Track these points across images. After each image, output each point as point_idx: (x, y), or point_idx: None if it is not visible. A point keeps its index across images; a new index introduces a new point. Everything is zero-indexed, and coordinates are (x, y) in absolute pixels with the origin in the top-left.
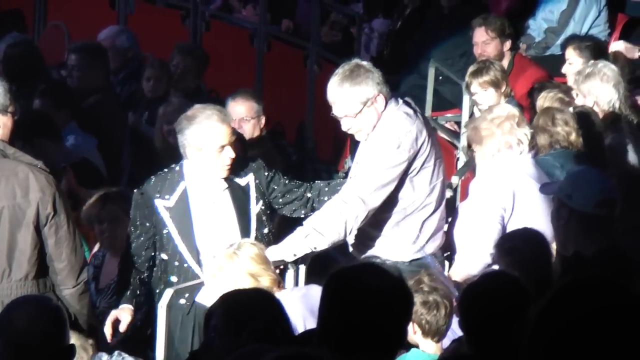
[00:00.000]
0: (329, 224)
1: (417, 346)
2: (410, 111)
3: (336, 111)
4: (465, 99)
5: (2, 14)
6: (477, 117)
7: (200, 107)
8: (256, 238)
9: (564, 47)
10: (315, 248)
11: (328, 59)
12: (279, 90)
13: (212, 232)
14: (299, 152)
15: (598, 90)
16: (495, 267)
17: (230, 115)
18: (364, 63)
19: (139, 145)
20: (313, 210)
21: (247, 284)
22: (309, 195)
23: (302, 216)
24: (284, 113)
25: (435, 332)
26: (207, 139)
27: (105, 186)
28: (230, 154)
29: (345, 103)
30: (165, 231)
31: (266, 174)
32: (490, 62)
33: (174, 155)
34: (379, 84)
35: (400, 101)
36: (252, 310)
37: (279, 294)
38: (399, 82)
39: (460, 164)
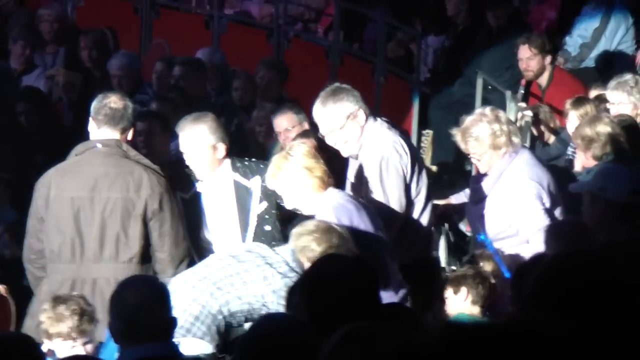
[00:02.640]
0: None
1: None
2: (389, 125)
3: (322, 129)
4: (509, 107)
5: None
6: (477, 126)
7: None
8: (255, 234)
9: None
10: None
11: (392, 72)
12: None
13: (215, 225)
14: None
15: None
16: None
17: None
18: (344, 85)
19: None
20: None
21: (305, 177)
22: None
23: None
24: None
25: (483, 303)
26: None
27: None
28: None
29: (330, 119)
30: None
31: None
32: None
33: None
34: (358, 101)
35: (378, 119)
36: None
37: (328, 191)
38: (453, 92)
39: None
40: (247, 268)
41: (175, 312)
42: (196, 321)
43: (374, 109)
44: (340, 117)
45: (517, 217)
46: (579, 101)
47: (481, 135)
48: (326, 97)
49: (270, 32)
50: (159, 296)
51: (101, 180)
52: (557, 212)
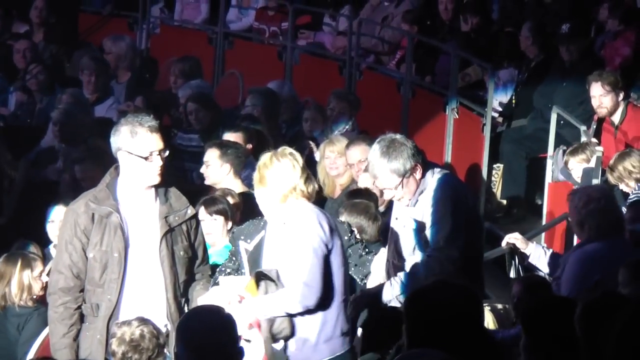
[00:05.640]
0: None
1: None
2: (448, 177)
3: (378, 184)
4: (582, 140)
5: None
6: None
7: None
8: None
9: None
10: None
11: (464, 105)
12: (421, 131)
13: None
14: None
15: None
16: None
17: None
18: (398, 137)
19: None
20: None
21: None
22: None
23: None
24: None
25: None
26: None
27: None
28: None
29: (385, 178)
30: (242, 270)
31: (346, 237)
32: None
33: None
34: (413, 155)
35: (437, 170)
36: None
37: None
38: (525, 126)
39: None
40: None
41: None
42: None
43: (446, 143)
44: (395, 177)
45: None
46: None
47: None
48: (381, 154)
49: (343, 63)
50: (228, 327)
51: None
52: None
